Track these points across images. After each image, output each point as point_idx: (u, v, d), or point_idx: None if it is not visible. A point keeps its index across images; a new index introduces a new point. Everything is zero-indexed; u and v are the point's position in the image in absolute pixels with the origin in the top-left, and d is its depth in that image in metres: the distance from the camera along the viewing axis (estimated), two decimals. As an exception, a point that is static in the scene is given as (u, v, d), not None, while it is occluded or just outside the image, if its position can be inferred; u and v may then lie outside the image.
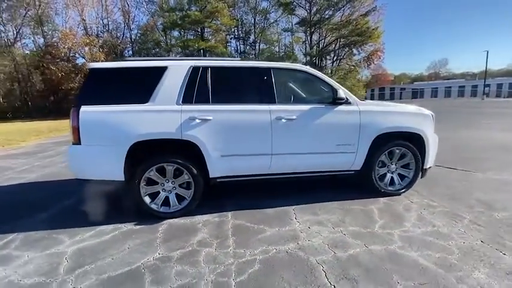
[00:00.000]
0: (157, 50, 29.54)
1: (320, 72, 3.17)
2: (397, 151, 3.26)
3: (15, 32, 27.17)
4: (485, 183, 3.71)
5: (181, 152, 2.81)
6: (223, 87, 2.92)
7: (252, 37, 34.28)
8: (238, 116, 2.86)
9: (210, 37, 29.94)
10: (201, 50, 28.05)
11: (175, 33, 29.85)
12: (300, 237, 2.41)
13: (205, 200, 3.19)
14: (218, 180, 2.96)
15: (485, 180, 3.84)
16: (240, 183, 3.32)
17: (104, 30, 29.22)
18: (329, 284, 1.79)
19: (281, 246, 2.27)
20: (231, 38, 32.89)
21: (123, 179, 2.73)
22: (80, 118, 2.61)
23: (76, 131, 2.62)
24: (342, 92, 2.96)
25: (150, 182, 2.81)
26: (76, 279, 1.93)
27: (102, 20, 28.86)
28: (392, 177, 3.35)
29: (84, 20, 26.99)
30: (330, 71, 32.56)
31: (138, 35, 30.82)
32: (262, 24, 33.99)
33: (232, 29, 32.06)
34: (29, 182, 4.46)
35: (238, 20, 31.78)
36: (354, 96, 3.18)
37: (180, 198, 2.90)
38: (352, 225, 2.61)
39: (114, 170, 2.69)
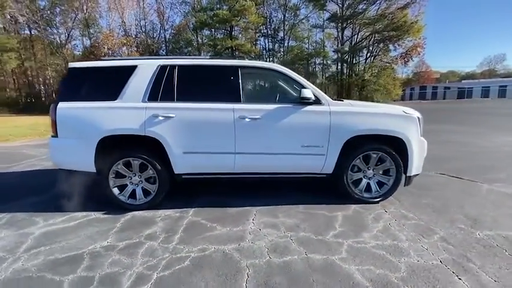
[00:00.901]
0: (189, 49, 30.72)
1: (291, 71, 3.05)
2: (374, 156, 3.02)
3: (66, 34, 30.37)
4: (486, 196, 3.27)
5: (146, 148, 2.93)
6: (188, 85, 2.97)
7: (280, 34, 33.92)
8: (201, 114, 2.89)
9: (239, 35, 30.31)
10: (229, 49, 28.53)
11: (207, 32, 30.74)
12: (245, 239, 2.37)
13: (177, 195, 3.31)
14: (184, 176, 3.03)
15: (488, 193, 3.37)
16: (212, 181, 3.37)
17: (141, 31, 31.22)
18: (244, 289, 1.75)
19: (221, 246, 2.26)
20: (259, 36, 32.83)
21: (95, 171, 2.94)
22: (56, 113, 2.87)
23: (54, 124, 2.89)
24: (308, 92, 2.81)
25: (119, 175, 2.98)
26: (28, 257, 2.14)
27: (140, 22, 30.83)
28: (368, 183, 3.11)
29: (124, 22, 29.09)
30: (362, 68, 30.94)
31: (172, 34, 32.34)
32: (292, 21, 33.39)
33: (260, 27, 31.97)
34: (43, 169, 5.00)
35: (266, 17, 31.62)
36: (327, 97, 3.01)
37: (146, 192, 3.03)
38: (306, 230, 2.50)
39: (86, 162, 2.91)
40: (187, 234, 2.48)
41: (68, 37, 31.52)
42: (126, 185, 3.01)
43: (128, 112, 2.86)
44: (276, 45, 34.74)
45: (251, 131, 2.91)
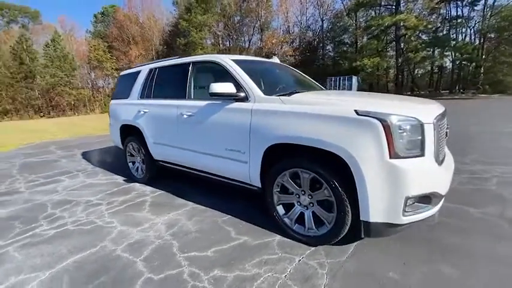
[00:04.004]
0: (344, 36, 29.20)
1: (231, 63, 2.60)
2: (306, 176, 2.03)
3: (247, 41, 38.22)
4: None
5: (137, 136, 3.69)
6: (159, 84, 3.38)
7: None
8: (160, 110, 3.23)
9: (406, 9, 24.76)
10: (392, 27, 24.16)
11: (364, 13, 27.64)
12: (145, 223, 2.57)
13: (165, 179, 3.87)
14: (160, 163, 3.55)
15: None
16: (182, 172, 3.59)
17: (302, 26, 33.22)
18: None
19: (85, 221, 2.62)
20: (438, 2, 24.83)
21: (122, 148, 4.14)
22: (110, 107, 4.28)
23: (109, 114, 4.34)
24: (217, 86, 2.29)
25: (130, 154, 3.99)
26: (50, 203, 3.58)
27: (301, 17, 32.86)
28: (303, 213, 2.15)
29: (288, 19, 32.23)
30: None
31: (330, 23, 31.94)
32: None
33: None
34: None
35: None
36: (258, 91, 2.33)
37: (142, 170, 3.85)
38: (192, 235, 2.28)
39: (118, 141, 4.16)
40: (130, 207, 3.02)
41: (249, 43, 39.64)
42: (134, 162, 3.99)
43: (130, 108, 3.74)
44: (468, 10, 25.10)
45: (188, 127, 2.89)
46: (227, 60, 2.64)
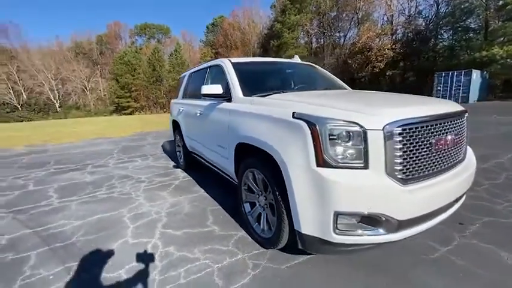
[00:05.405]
0: (468, 21, 23.18)
1: (228, 65, 2.77)
2: (259, 176, 2.03)
3: (342, 37, 35.98)
4: None
5: (179, 130, 4.39)
6: (190, 86, 3.92)
7: None
8: (188, 108, 3.77)
9: None
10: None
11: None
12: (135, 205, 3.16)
13: (198, 168, 4.45)
14: (192, 154, 4.13)
15: None
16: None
17: (410, 14, 28.44)
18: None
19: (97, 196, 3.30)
20: None
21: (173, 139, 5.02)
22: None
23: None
24: (206, 88, 2.55)
25: (177, 144, 4.78)
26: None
27: (408, 3, 28.14)
28: (260, 213, 2.14)
29: (391, 9, 28.33)
30: None
31: (449, 8, 25.97)
32: None
33: None
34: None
35: None
36: (239, 92, 2.44)
37: (182, 158, 4.55)
38: (181, 217, 2.69)
39: (171, 134, 5.07)
40: (160, 187, 3.74)
41: (345, 38, 37.20)
42: (179, 152, 4.75)
43: (176, 106, 4.50)
44: None
45: (200, 124, 3.28)
46: (226, 63, 2.86)
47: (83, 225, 2.63)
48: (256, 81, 2.74)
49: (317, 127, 1.51)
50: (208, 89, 2.60)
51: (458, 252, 1.92)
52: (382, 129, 1.46)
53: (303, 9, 33.72)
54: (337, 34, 37.51)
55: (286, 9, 33.44)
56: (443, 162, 1.69)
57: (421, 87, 23.15)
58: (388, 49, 23.68)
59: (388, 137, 1.46)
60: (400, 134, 1.48)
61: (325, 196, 1.49)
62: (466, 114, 1.99)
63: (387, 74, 27.20)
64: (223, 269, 1.87)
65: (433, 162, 1.63)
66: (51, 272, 1.91)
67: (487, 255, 1.88)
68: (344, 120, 1.50)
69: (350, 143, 1.49)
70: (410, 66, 26.03)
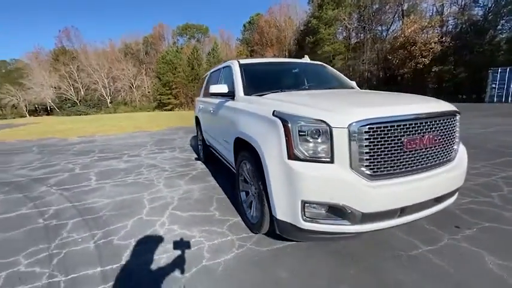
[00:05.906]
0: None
1: (236, 66, 3.01)
2: (249, 168, 2.25)
3: (384, 30, 33.81)
4: None
5: (199, 125, 4.79)
6: (208, 85, 4.24)
7: None
8: (205, 106, 4.12)
9: None
10: None
11: None
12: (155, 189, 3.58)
13: (215, 161, 4.81)
14: (209, 147, 4.50)
15: None
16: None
17: (465, 2, 25.59)
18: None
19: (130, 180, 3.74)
20: None
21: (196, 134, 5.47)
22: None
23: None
24: (214, 88, 2.83)
25: (199, 138, 5.21)
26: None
27: (463, -8, 25.28)
28: (252, 201, 2.36)
29: (441, -1, 25.82)
30: None
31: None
32: None
33: None
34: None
35: None
36: (240, 90, 2.68)
37: (202, 151, 4.95)
38: (191, 199, 3.05)
39: (194, 128, 5.51)
40: (179, 176, 4.18)
41: (387, 31, 34.89)
42: (200, 145, 5.16)
43: (197, 103, 4.91)
44: None
45: (213, 120, 3.60)
46: (234, 64, 3.12)
47: (111, 203, 3.14)
48: (259, 81, 2.95)
49: (289, 124, 1.69)
50: (215, 88, 2.89)
51: (439, 252, 1.93)
52: (347, 128, 1.58)
53: (342, 3, 32.42)
54: (379, 28, 35.42)
55: (324, 3, 32.52)
56: (418, 162, 1.74)
57: (472, 85, 20.85)
58: (435, 43, 21.65)
59: (353, 134, 1.58)
60: (366, 132, 1.59)
61: (294, 186, 1.67)
62: (458, 115, 1.97)
63: (433, 70, 24.91)
64: (213, 246, 2.15)
65: (406, 161, 1.69)
66: (80, 236, 2.39)
67: (470, 258, 1.86)
68: (313, 119, 1.65)
69: (318, 139, 1.64)
70: (461, 62, 23.48)
